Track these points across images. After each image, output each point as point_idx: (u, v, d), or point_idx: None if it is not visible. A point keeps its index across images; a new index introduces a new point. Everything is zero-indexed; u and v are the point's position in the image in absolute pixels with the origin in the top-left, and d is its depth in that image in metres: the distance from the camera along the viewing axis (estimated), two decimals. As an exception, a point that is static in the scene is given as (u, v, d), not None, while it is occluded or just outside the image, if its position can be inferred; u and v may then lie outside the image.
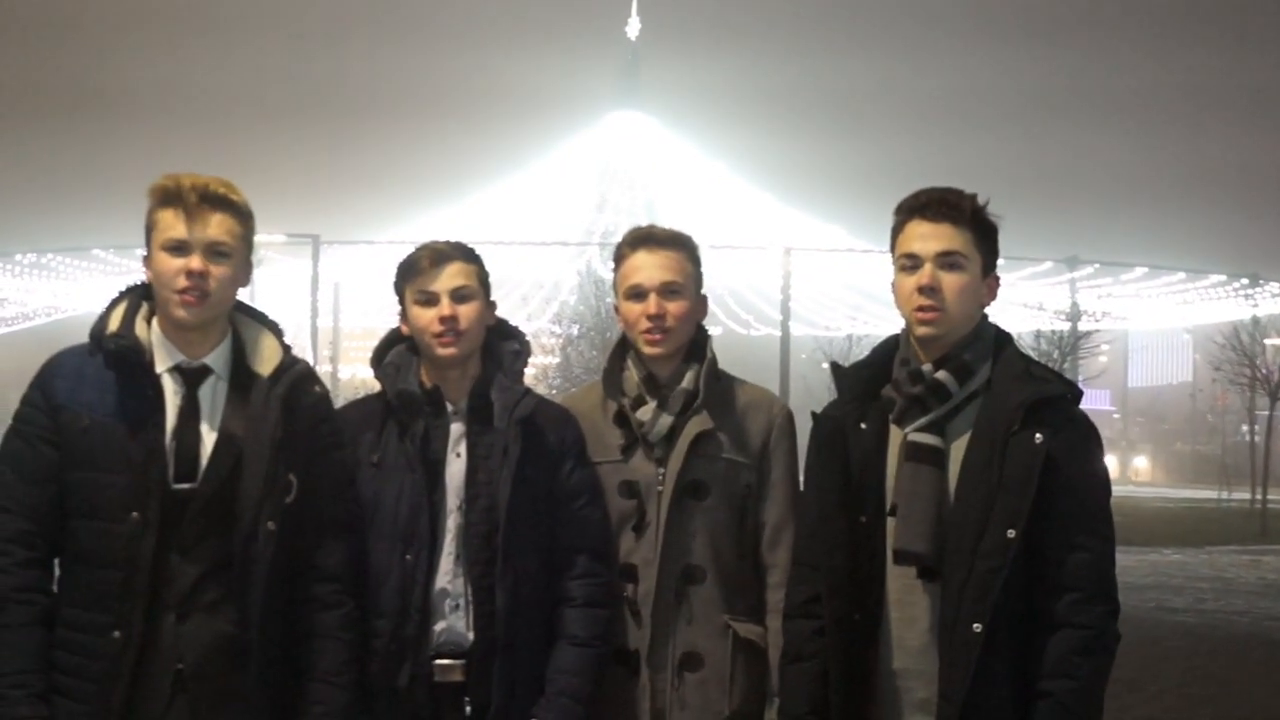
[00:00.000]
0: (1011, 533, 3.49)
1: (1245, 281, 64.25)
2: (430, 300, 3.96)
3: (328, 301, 55.57)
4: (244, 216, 3.69)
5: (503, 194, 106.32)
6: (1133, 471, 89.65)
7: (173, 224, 3.62)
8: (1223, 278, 68.59)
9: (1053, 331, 37.89)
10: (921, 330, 3.66)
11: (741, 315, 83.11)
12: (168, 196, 3.63)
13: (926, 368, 3.66)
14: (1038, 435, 3.52)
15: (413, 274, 4.00)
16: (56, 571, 3.65)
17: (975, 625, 3.49)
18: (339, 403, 4.18)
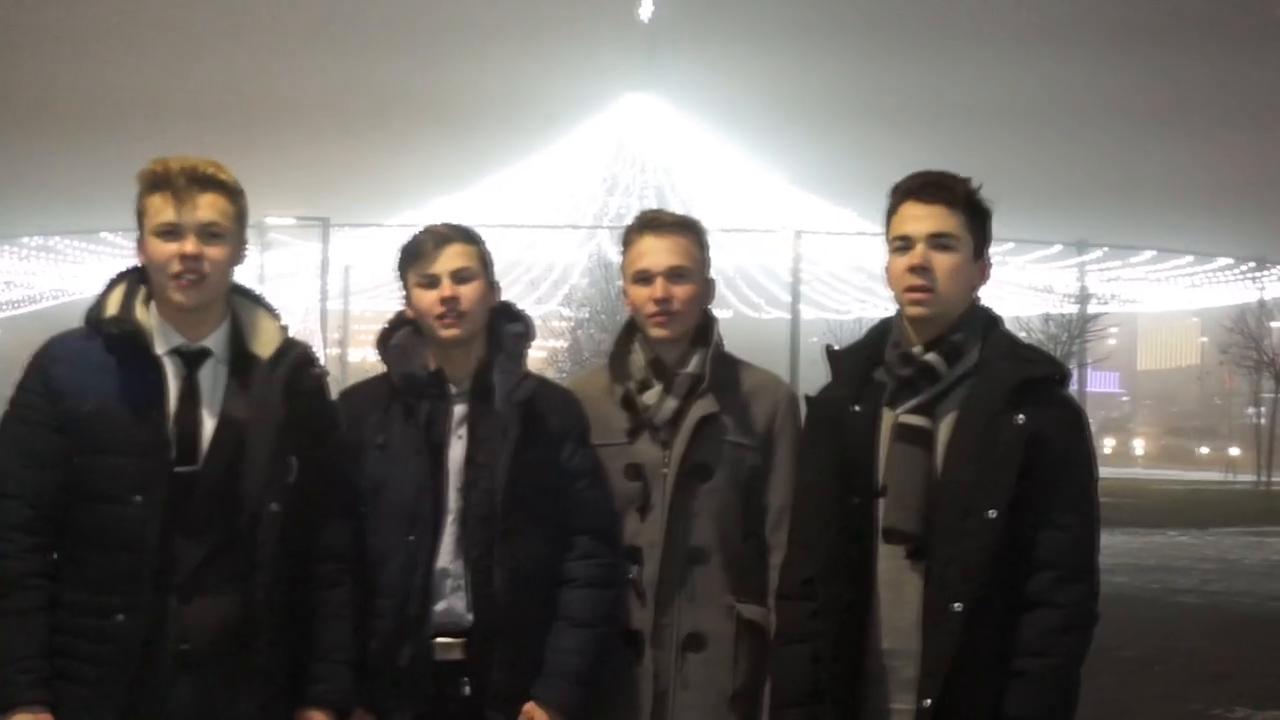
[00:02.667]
0: (993, 513, 3.52)
1: (1253, 264, 64.01)
2: (432, 282, 3.99)
3: (337, 285, 55.68)
4: (234, 195, 3.69)
5: (515, 177, 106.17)
6: (1140, 453, 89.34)
7: (162, 208, 3.62)
8: (1230, 261, 68.32)
9: (1061, 314, 37.85)
10: (912, 310, 3.69)
11: (752, 298, 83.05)
12: (156, 181, 3.63)
13: (916, 349, 3.69)
14: (1020, 416, 3.55)
15: (415, 257, 4.03)
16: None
17: (956, 605, 3.52)
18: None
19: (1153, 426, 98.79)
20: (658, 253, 4.17)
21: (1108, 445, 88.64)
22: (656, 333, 4.16)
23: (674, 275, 4.16)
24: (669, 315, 4.13)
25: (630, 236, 4.25)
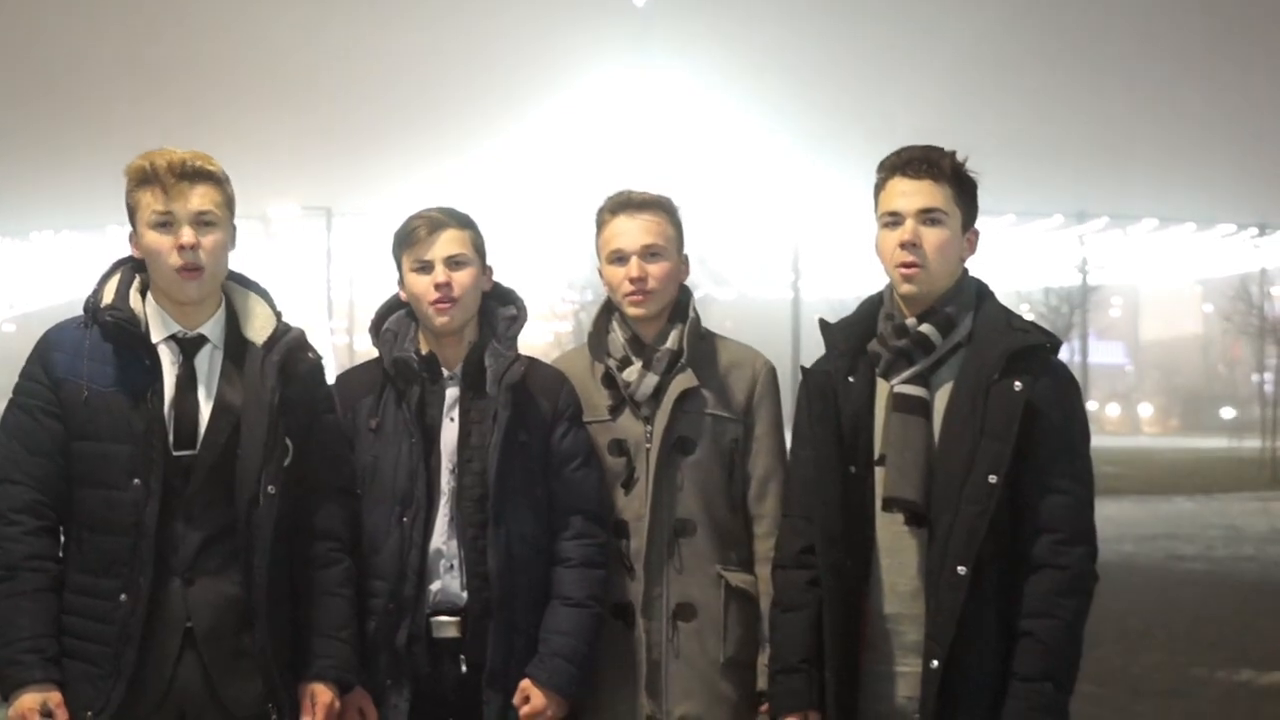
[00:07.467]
0: (994, 478, 3.59)
1: (1255, 231, 63.86)
2: (426, 268, 4.04)
3: (343, 273, 55.67)
4: (223, 183, 3.74)
5: (511, 158, 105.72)
6: (1144, 423, 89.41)
7: (154, 202, 3.68)
8: (1232, 228, 68.05)
9: (1062, 287, 37.79)
10: (905, 287, 3.76)
11: (755, 277, 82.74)
12: (145, 177, 3.69)
13: (910, 321, 3.76)
14: (1017, 383, 3.62)
15: (409, 242, 4.08)
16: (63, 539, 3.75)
17: (960, 568, 3.59)
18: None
19: (1158, 396, 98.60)
20: (631, 233, 4.22)
21: (1113, 414, 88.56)
22: (633, 311, 4.21)
23: (648, 254, 4.20)
24: (645, 294, 4.19)
25: (603, 217, 4.29)
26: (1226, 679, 10.54)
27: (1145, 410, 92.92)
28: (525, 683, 3.98)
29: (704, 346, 4.27)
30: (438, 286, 4.02)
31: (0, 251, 75.00)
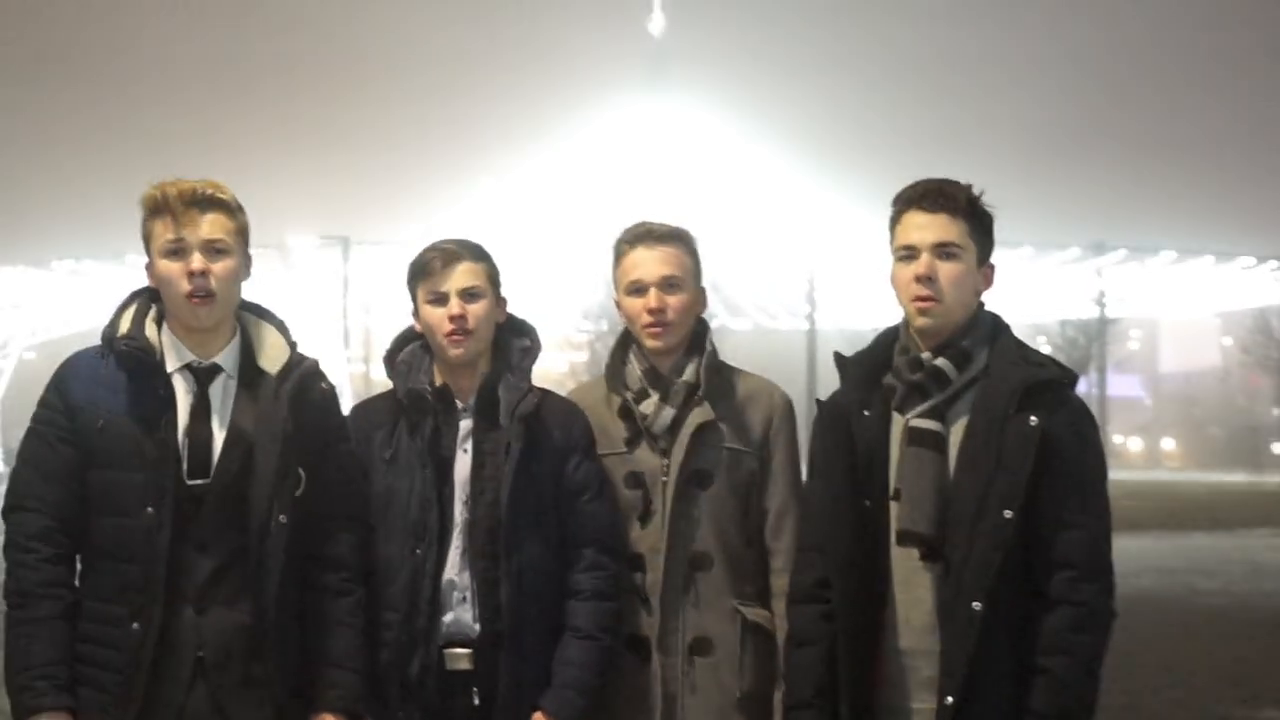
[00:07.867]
0: (1009, 513, 3.58)
1: (1275, 264, 63.70)
2: (440, 300, 4.05)
3: (360, 302, 55.92)
4: (235, 212, 3.76)
5: (527, 188, 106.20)
6: (1165, 456, 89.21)
7: (166, 230, 3.70)
8: (1252, 260, 67.89)
9: (1079, 319, 37.76)
10: (920, 321, 3.75)
11: (770, 309, 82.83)
12: (156, 206, 3.72)
13: (926, 355, 3.75)
14: (1033, 418, 3.61)
15: (423, 274, 4.09)
16: (79, 567, 3.75)
17: (975, 604, 3.57)
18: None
19: (1176, 428, 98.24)
20: (650, 264, 4.22)
21: (1133, 448, 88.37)
22: (652, 343, 4.21)
23: (667, 285, 4.21)
24: (663, 325, 4.19)
25: (621, 248, 4.29)
26: (1249, 717, 10.45)
27: (1166, 444, 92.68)
28: (537, 715, 3.97)
29: (721, 379, 4.27)
30: (452, 319, 4.04)
31: (22, 280, 75.55)
